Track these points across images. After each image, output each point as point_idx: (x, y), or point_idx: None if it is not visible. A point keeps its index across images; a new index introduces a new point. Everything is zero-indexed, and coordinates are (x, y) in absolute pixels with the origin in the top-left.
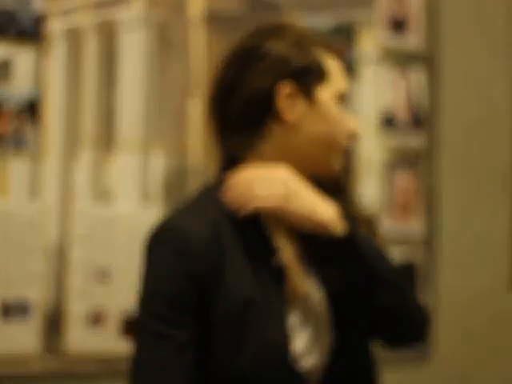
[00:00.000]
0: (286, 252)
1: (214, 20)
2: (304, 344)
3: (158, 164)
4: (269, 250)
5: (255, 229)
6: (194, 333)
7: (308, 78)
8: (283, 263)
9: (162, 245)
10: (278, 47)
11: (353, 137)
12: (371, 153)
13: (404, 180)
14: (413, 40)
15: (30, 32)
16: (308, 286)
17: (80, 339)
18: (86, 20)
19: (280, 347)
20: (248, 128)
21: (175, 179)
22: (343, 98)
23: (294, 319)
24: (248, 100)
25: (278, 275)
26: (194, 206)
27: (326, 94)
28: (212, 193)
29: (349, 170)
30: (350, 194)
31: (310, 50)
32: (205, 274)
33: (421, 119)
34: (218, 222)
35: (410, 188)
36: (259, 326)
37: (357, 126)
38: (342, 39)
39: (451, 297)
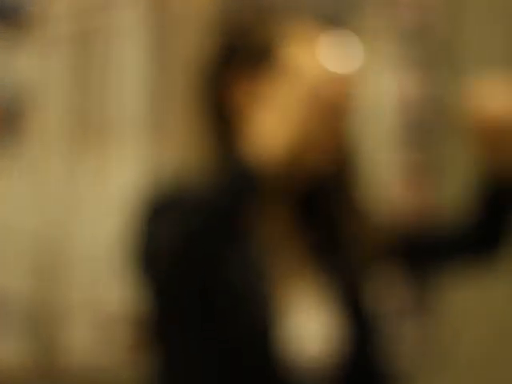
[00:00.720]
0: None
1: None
2: (301, 332)
3: (156, 165)
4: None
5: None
6: None
7: (256, 69)
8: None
9: (164, 214)
10: (234, 45)
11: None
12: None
13: None
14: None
15: (30, 32)
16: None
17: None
18: (86, 22)
19: (259, 332)
20: (220, 130)
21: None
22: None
23: (288, 304)
24: (210, 103)
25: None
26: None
27: (286, 88)
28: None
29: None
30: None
31: (272, 45)
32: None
33: None
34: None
35: None
36: (240, 309)
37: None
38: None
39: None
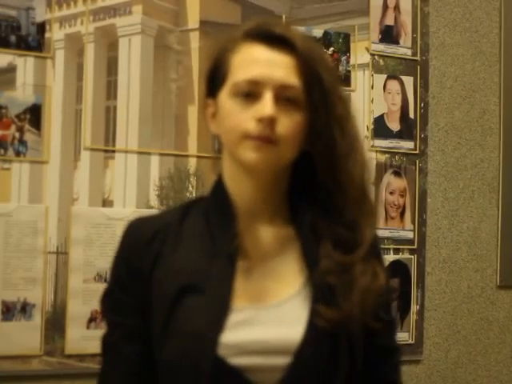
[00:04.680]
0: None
1: (210, 27)
2: (246, 343)
3: (156, 168)
4: (230, 242)
5: (228, 231)
6: (143, 321)
7: (215, 88)
8: (236, 248)
9: (120, 239)
10: (208, 62)
11: (259, 121)
12: None
13: (394, 184)
14: (404, 47)
15: (32, 39)
16: (279, 292)
17: (79, 339)
18: (86, 27)
19: (204, 337)
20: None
21: (173, 184)
22: (255, 83)
23: (243, 315)
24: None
25: (231, 269)
26: (171, 208)
27: (223, 93)
28: (199, 200)
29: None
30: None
31: (226, 56)
32: (142, 267)
33: (412, 125)
34: (173, 222)
35: (400, 192)
36: (188, 314)
37: (263, 108)
38: (336, 46)
39: (440, 297)
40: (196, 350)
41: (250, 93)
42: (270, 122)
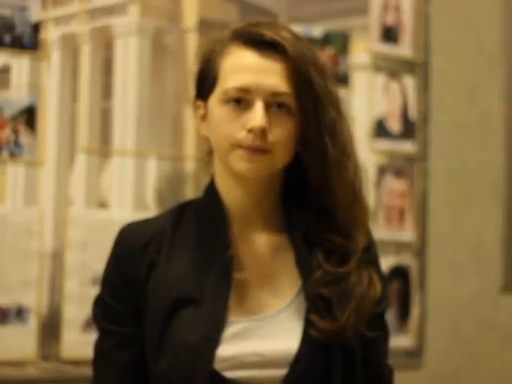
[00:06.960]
0: (247, 261)
1: (207, 27)
2: (242, 356)
3: (153, 170)
4: (224, 252)
5: (221, 237)
6: (136, 329)
7: (205, 91)
8: (231, 258)
9: (113, 246)
10: (197, 63)
11: (250, 131)
12: (363, 159)
13: (395, 186)
14: (405, 47)
15: (27, 39)
16: (272, 303)
17: (75, 344)
18: (81, 27)
19: (199, 351)
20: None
21: (170, 186)
22: (245, 91)
23: (238, 328)
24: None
25: (226, 281)
26: (162, 212)
27: (213, 98)
28: (191, 202)
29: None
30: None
31: (215, 59)
32: (136, 276)
33: (412, 126)
34: (166, 228)
35: (401, 194)
36: (183, 327)
37: (254, 118)
38: (336, 46)
39: (442, 301)
40: (192, 364)
41: (241, 99)
42: (261, 132)
